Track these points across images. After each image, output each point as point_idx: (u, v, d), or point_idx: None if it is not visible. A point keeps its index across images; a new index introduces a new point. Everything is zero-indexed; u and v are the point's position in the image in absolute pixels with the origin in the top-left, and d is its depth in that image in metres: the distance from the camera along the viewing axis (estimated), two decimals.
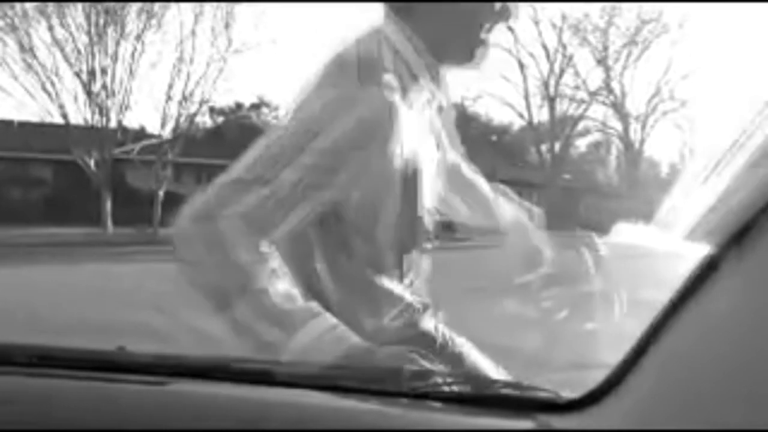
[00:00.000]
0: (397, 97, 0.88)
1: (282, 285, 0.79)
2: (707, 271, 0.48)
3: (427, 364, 0.70)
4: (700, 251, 0.48)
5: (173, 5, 19.86)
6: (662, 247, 0.55)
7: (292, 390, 0.61)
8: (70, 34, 19.39)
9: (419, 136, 0.95)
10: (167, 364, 0.62)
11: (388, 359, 0.72)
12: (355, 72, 0.89)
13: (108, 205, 18.78)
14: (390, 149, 0.88)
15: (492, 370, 1.02)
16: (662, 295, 0.51)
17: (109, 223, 18.70)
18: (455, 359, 0.98)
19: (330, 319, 0.78)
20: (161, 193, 19.13)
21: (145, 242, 16.12)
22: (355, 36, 0.96)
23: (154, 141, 20.40)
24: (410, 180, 0.93)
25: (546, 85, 29.45)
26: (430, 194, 0.99)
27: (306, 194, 0.83)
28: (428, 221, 1.00)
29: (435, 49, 0.97)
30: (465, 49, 0.97)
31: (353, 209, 0.91)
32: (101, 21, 19.51)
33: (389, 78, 0.89)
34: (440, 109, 1.04)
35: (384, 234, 0.94)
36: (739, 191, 0.47)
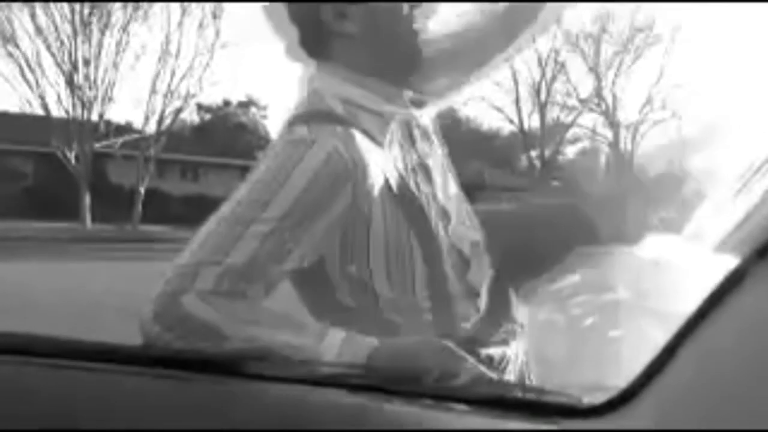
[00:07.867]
0: (357, 142, 0.80)
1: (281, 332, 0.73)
2: (733, 282, 0.50)
3: (461, 359, 0.69)
4: (728, 263, 0.50)
5: None
6: (691, 259, 0.57)
7: (310, 388, 0.61)
8: (54, 22, 19.07)
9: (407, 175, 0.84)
10: (189, 360, 0.62)
11: (418, 356, 0.70)
12: (305, 124, 0.81)
13: (87, 200, 18.45)
14: (362, 202, 0.79)
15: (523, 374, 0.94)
16: (687, 306, 0.52)
17: (88, 218, 18.39)
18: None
19: (339, 331, 0.74)
20: (142, 190, 18.88)
21: (123, 239, 15.90)
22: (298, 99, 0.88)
23: (136, 136, 20.13)
24: (413, 218, 0.82)
25: (537, 90, 29.59)
26: (446, 223, 0.85)
27: (265, 269, 0.75)
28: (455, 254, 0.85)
29: (378, 72, 0.87)
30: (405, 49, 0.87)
31: (337, 273, 0.82)
32: (86, 10, 19.20)
33: (345, 125, 0.81)
34: (420, 129, 0.91)
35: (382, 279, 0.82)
36: (765, 206, 0.48)
